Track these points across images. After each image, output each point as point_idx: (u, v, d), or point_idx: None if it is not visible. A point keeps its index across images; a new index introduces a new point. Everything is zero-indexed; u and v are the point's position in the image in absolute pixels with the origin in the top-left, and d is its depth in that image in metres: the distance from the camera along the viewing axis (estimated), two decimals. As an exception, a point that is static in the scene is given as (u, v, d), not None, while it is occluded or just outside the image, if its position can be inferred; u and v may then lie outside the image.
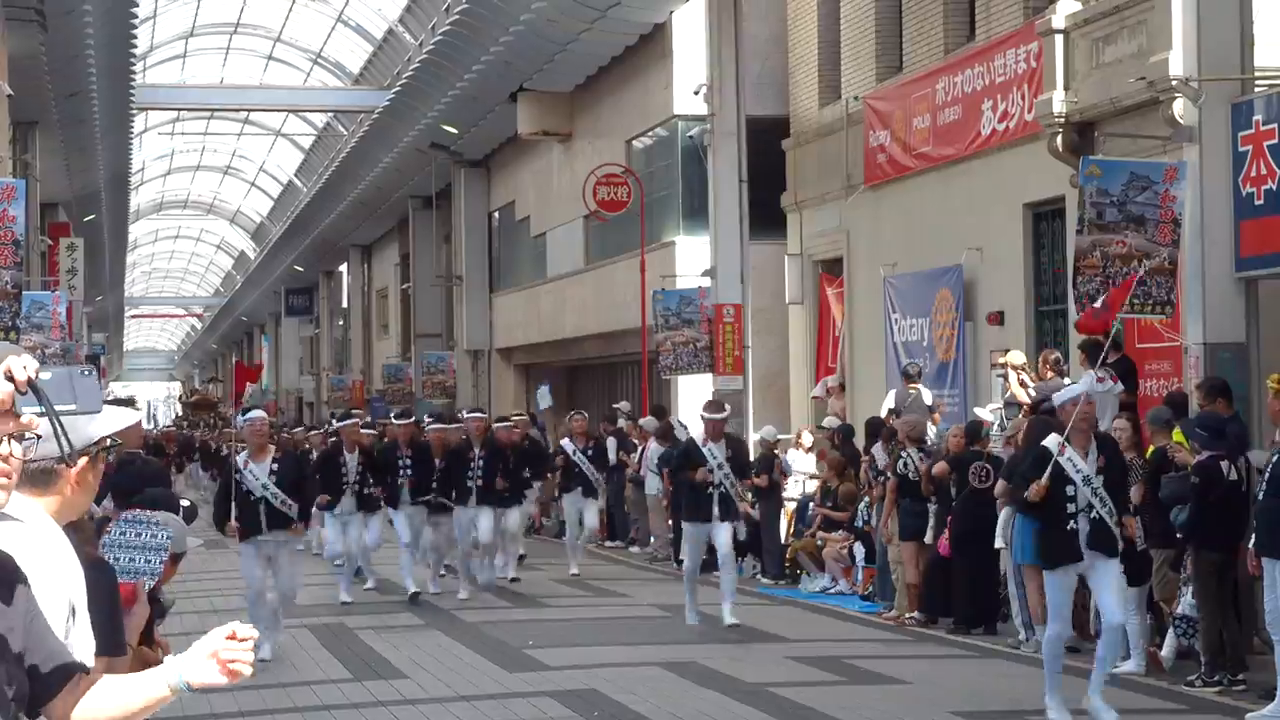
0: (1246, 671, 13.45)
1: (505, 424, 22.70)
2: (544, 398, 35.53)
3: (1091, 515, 11.91)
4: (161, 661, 7.77)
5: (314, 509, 18.21)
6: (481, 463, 20.84)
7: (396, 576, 21.35)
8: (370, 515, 21.20)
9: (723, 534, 17.33)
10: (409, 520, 21.08)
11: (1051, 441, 12.14)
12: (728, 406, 19.38)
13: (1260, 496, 12.36)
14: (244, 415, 17.07)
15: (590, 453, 24.72)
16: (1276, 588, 12.03)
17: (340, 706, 13.23)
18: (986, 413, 18.99)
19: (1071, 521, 11.92)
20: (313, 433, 28.48)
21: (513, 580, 22.15)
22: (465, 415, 23.01)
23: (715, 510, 17.22)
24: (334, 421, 24.40)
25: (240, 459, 16.06)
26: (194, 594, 20.43)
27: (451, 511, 20.87)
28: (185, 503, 6.31)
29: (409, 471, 21.09)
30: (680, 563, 19.83)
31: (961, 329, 23.06)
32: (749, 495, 19.19)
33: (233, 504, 15.72)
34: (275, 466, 15.97)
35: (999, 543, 15.96)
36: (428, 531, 21.42)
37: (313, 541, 24.77)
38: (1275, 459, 12.19)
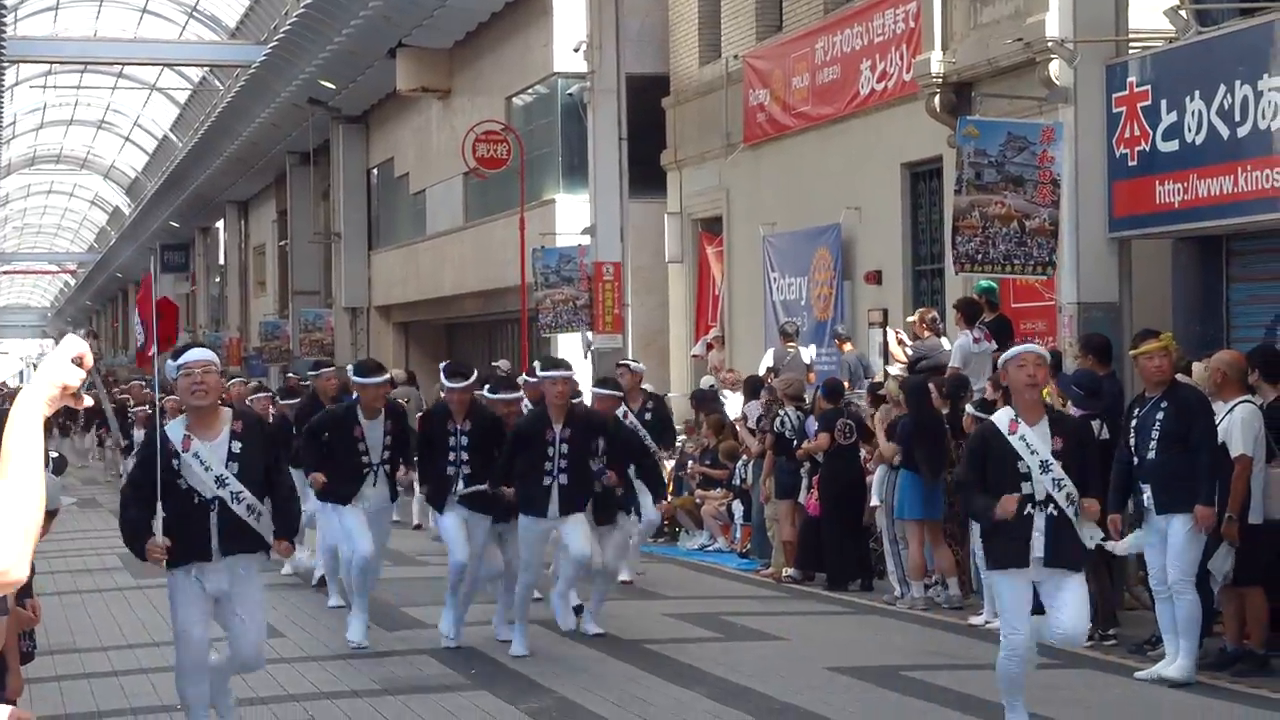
0: (1117, 626, 13.63)
1: (605, 390, 14.88)
2: (584, 342, 28.66)
3: None
4: (33, 621, 7.66)
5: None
6: (565, 448, 13.15)
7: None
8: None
9: (1068, 591, 9.63)
10: (466, 529, 13.61)
11: None
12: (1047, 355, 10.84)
13: (1152, 454, 11.93)
14: (176, 360, 9.61)
15: (649, 416, 16.95)
16: (1167, 543, 11.79)
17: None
18: (893, 373, 19.07)
19: None
20: (259, 394, 21.17)
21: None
22: (541, 374, 13.83)
23: (1041, 543, 9.49)
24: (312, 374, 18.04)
25: (175, 434, 9.44)
26: (67, 553, 20.18)
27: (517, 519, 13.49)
28: (54, 454, 6.20)
29: (464, 456, 13.54)
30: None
31: (840, 288, 23.17)
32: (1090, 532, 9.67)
33: (158, 508, 9.17)
34: (237, 447, 9.43)
35: (875, 500, 16.07)
36: (491, 548, 13.92)
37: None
38: (1161, 417, 11.93)
